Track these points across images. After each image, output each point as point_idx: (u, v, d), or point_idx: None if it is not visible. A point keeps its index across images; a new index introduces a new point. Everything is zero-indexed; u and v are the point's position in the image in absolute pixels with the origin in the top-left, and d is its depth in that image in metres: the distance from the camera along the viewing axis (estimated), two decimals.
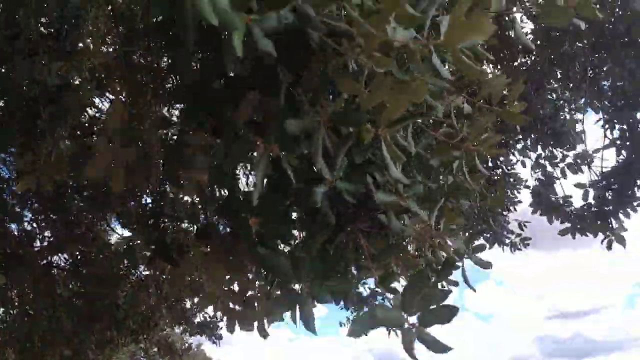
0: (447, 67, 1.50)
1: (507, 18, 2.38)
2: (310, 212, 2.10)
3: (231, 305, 2.87)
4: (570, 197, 6.51)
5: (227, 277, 2.61)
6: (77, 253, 6.32)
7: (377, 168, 1.81)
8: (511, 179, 6.93)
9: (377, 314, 1.46)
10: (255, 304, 2.86)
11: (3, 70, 3.27)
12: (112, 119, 1.88)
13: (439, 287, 2.07)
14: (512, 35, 2.01)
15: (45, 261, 6.45)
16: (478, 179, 2.11)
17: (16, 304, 6.31)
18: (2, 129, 3.11)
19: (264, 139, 1.55)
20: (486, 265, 2.13)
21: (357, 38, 1.40)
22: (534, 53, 5.94)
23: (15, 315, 6.25)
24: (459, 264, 2.11)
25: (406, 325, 1.46)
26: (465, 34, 1.25)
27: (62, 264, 6.45)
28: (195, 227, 2.86)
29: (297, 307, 1.72)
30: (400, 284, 2.27)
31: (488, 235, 6.76)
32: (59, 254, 6.39)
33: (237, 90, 1.61)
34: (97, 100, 5.42)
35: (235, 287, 2.80)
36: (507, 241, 6.96)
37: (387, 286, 2.03)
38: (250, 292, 2.81)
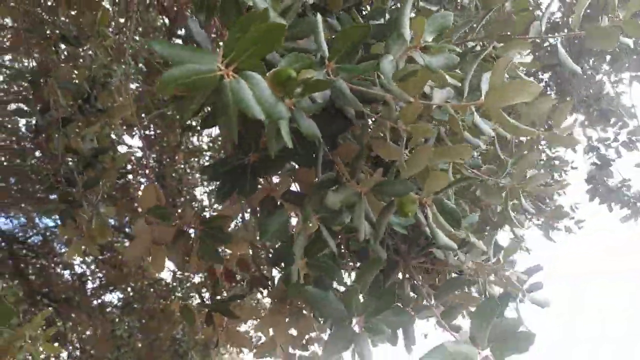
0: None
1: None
2: (360, 248, 2.06)
3: (291, 350, 2.88)
4: (629, 180, 6.09)
5: (286, 321, 2.61)
6: (129, 290, 6.44)
7: None
8: (556, 162, 6.74)
9: (448, 349, 1.39)
10: (316, 346, 2.86)
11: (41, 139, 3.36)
12: (146, 200, 1.89)
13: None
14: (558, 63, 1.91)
15: (99, 301, 6.61)
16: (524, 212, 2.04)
17: (77, 346, 6.47)
18: (46, 208, 3.22)
19: (303, 211, 1.51)
20: (544, 303, 2.05)
21: (392, 104, 1.36)
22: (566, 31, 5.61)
23: (79, 358, 6.41)
24: (515, 300, 2.04)
25: (479, 359, 1.41)
26: (509, 95, 1.19)
27: (116, 302, 6.60)
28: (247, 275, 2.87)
29: (353, 344, 1.61)
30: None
31: (540, 222, 6.59)
32: (112, 293, 6.54)
33: (272, 163, 1.58)
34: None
35: (294, 332, 2.80)
36: (560, 226, 6.77)
37: (449, 322, 1.99)
38: (309, 335, 2.81)
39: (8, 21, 5.08)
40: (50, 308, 6.24)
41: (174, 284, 6.02)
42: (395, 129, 1.37)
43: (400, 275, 2.24)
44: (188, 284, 6.31)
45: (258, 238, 2.24)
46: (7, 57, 6.27)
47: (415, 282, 2.19)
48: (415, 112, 1.29)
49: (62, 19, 3.76)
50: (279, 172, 1.68)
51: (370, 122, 1.57)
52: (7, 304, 2.31)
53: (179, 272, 6.11)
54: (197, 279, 5.87)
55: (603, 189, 6.16)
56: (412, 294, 2.22)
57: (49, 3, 4.20)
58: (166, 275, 6.41)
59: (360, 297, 1.73)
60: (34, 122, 3.58)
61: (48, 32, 3.86)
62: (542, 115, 1.99)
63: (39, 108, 3.44)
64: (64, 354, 6.44)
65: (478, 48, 2.02)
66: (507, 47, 1.90)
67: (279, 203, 1.68)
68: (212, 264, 2.76)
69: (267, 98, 1.07)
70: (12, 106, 6.47)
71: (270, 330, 2.59)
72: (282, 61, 1.18)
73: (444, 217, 1.42)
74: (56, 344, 6.11)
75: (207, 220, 1.87)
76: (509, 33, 2.01)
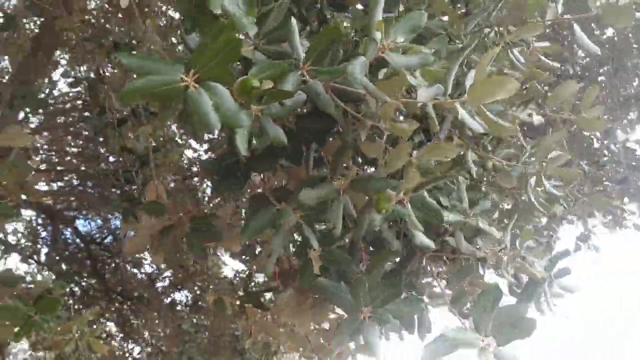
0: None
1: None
2: (373, 239, 2.05)
3: (322, 342, 2.90)
4: None
5: (313, 314, 2.62)
6: (195, 288, 6.65)
7: (441, 191, 1.73)
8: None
9: (449, 336, 1.40)
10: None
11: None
12: (149, 196, 2.01)
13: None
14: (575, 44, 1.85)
15: (169, 299, 6.88)
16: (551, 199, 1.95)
17: (148, 342, 6.77)
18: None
19: (286, 207, 1.53)
20: (572, 289, 1.96)
21: (372, 103, 1.33)
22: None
23: (149, 353, 6.70)
24: (542, 287, 1.95)
25: (481, 346, 1.41)
26: (490, 91, 1.15)
27: (184, 301, 6.83)
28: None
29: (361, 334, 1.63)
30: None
31: (607, 220, 6.33)
32: (180, 292, 6.79)
33: (262, 161, 1.59)
34: None
35: (326, 326, 2.82)
36: (629, 223, 6.46)
37: (459, 309, 1.94)
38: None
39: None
40: (119, 306, 6.58)
41: (236, 281, 6.14)
42: (377, 126, 1.35)
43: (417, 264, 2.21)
44: (252, 283, 6.43)
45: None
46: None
47: (432, 269, 2.16)
48: (393, 111, 1.27)
49: (116, 27, 3.95)
50: (270, 169, 1.70)
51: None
52: (55, 296, 2.47)
53: (241, 272, 6.24)
54: (260, 278, 5.99)
55: (634, 189, 6.10)
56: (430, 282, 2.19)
57: (107, 15, 4.42)
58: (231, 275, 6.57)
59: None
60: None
61: (102, 40, 4.07)
62: (569, 99, 1.98)
63: (97, 112, 3.68)
64: (137, 349, 6.76)
65: (492, 34, 1.96)
66: (521, 30, 1.87)
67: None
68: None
69: (229, 107, 1.11)
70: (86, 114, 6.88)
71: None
72: (252, 69, 1.21)
73: (425, 213, 1.39)
74: (127, 342, 6.45)
75: (197, 217, 1.95)
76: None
